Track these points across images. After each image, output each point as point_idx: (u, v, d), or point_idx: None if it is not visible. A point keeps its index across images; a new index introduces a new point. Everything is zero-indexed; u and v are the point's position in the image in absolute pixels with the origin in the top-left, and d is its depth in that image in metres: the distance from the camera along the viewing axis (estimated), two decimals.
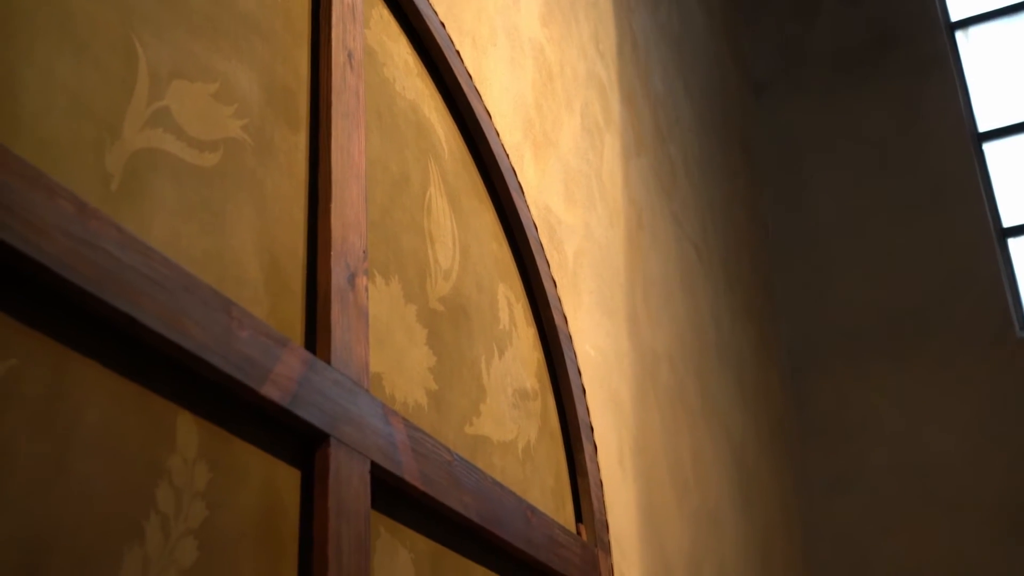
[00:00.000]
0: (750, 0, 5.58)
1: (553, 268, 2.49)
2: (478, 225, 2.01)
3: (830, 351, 4.75)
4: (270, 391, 1.24)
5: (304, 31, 1.60)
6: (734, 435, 3.73)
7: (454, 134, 2.01)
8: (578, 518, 2.07)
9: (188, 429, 1.16)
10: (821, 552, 4.45)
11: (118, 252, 1.07)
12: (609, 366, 2.72)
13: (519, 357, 2.02)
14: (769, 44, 5.44)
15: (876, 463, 4.50)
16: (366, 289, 1.51)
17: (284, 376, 1.27)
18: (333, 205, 1.48)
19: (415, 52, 1.95)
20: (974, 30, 5.27)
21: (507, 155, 2.17)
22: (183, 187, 1.25)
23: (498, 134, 2.16)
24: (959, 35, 5.26)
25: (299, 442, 1.33)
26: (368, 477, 1.38)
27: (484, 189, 2.08)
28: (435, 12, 2.01)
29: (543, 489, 1.96)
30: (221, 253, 1.29)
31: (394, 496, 1.51)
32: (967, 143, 4.83)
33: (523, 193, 2.20)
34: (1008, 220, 4.79)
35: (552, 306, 2.16)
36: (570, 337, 2.21)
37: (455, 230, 1.91)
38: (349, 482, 1.34)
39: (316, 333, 1.41)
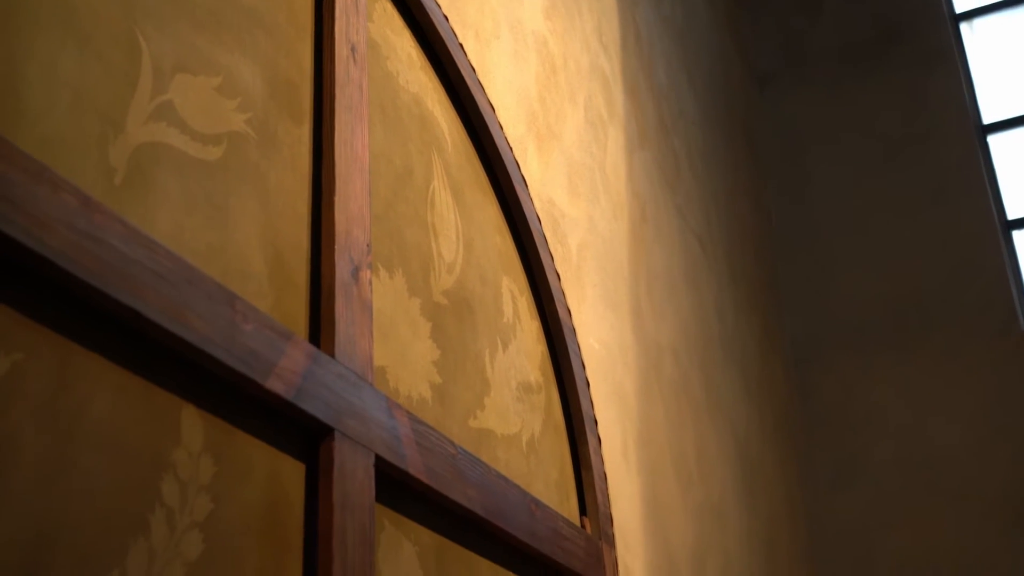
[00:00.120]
0: None
1: (557, 261, 2.48)
2: (482, 218, 2.01)
3: (834, 343, 4.75)
4: (274, 385, 1.24)
5: (307, 24, 1.60)
6: (738, 428, 3.73)
7: (457, 127, 2.01)
8: (582, 511, 2.07)
9: (193, 423, 1.17)
10: (826, 545, 4.45)
11: (122, 246, 1.07)
12: (613, 359, 2.72)
13: (523, 350, 2.02)
14: (773, 37, 5.43)
15: (881, 455, 4.50)
16: (370, 283, 1.51)
17: (288, 370, 1.27)
18: (337, 199, 1.48)
19: (418, 45, 1.95)
20: (979, 22, 5.26)
21: (510, 148, 2.17)
22: (187, 181, 1.25)
23: (501, 127, 2.16)
24: (964, 27, 5.24)
25: (303, 436, 1.34)
26: (372, 470, 1.38)
27: (487, 182, 2.08)
28: (438, 5, 2.01)
29: (547, 482, 1.96)
30: (225, 247, 1.29)
31: (398, 489, 1.52)
32: (972, 135, 4.82)
33: (527, 186, 2.19)
34: (1013, 212, 4.79)
35: (556, 299, 2.16)
36: (574, 330, 2.21)
37: (459, 223, 1.91)
38: (353, 475, 1.34)
39: (320, 327, 1.41)
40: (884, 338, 4.66)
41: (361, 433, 1.37)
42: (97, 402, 1.05)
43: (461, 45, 2.07)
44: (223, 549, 1.16)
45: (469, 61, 2.08)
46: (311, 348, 1.32)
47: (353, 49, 1.64)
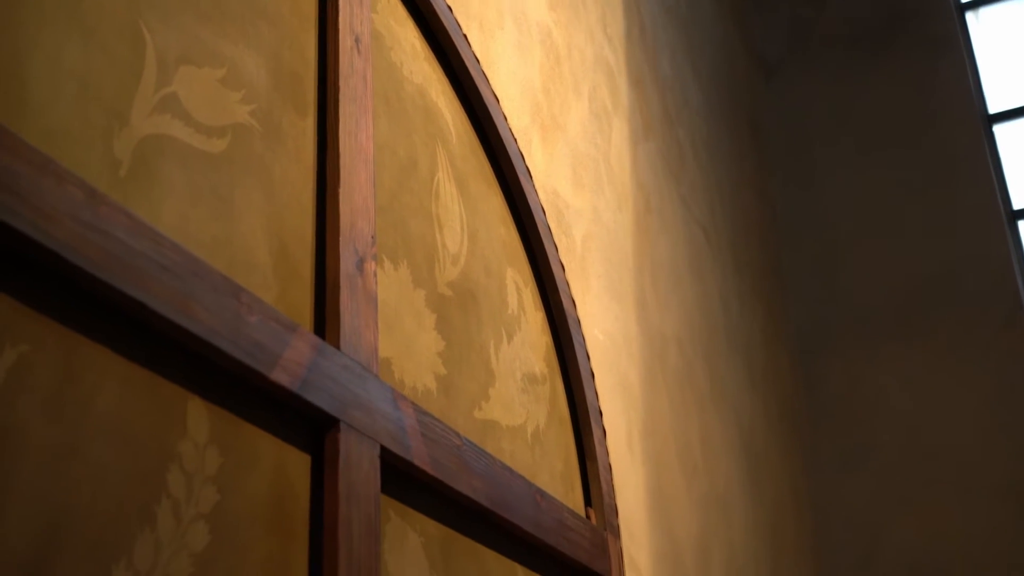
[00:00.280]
0: None
1: (561, 252, 2.48)
2: (486, 209, 2.00)
3: (839, 333, 4.75)
4: (280, 376, 1.24)
5: (311, 15, 1.59)
6: (743, 418, 3.73)
7: (462, 118, 2.01)
8: (587, 502, 2.08)
9: (199, 414, 1.17)
10: (831, 534, 4.46)
11: (128, 238, 1.07)
12: (618, 350, 2.72)
13: (528, 342, 2.02)
14: (779, 26, 5.42)
15: (886, 445, 4.49)
16: (375, 274, 1.51)
17: (293, 361, 1.27)
18: (341, 190, 1.48)
19: (422, 36, 1.95)
20: (984, 11, 5.24)
21: (515, 139, 2.16)
22: (192, 173, 1.25)
23: (506, 118, 2.15)
24: (969, 16, 5.22)
25: (309, 427, 1.34)
26: (378, 461, 1.38)
27: (492, 173, 2.07)
28: None
29: (552, 473, 1.97)
30: (230, 239, 1.29)
31: (404, 480, 1.52)
32: (977, 125, 4.81)
33: (531, 177, 2.19)
34: (1018, 202, 4.77)
35: (560, 290, 2.16)
36: (578, 321, 2.21)
37: (463, 215, 1.91)
38: (359, 466, 1.34)
39: (325, 318, 1.41)
40: (889, 328, 4.66)
41: (366, 424, 1.38)
42: (103, 394, 1.05)
43: (465, 36, 2.06)
44: (229, 540, 1.16)
45: (473, 52, 2.08)
46: (316, 340, 1.32)
47: (357, 40, 1.64)
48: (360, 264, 1.48)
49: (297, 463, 1.30)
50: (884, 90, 5.05)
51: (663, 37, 3.81)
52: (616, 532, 2.09)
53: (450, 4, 2.21)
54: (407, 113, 1.81)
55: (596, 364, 2.54)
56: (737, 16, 5.07)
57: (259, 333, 1.22)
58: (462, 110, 2.02)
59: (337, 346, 1.38)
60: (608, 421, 2.53)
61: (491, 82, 2.34)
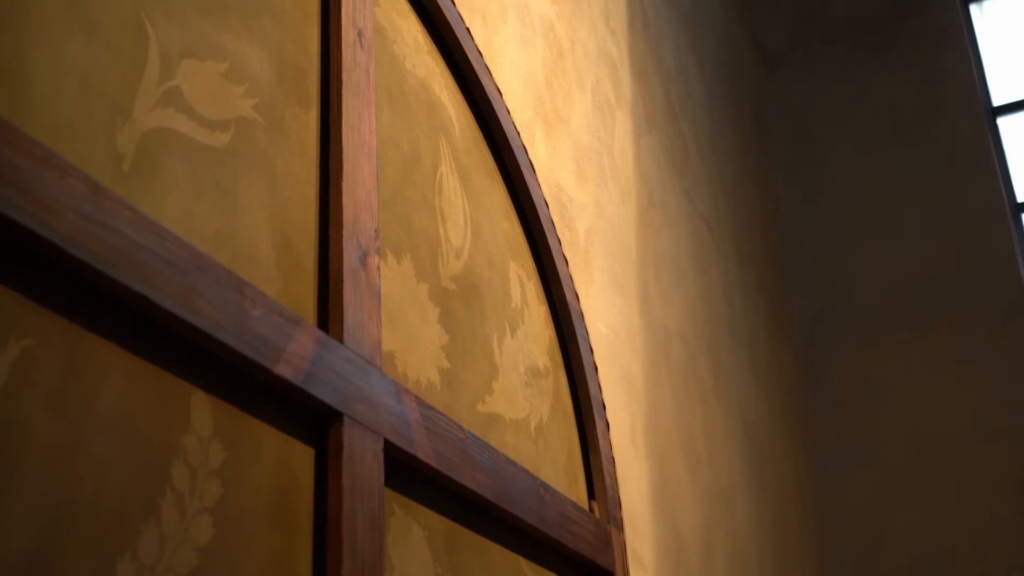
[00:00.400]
0: None
1: (564, 246, 2.48)
2: (489, 203, 2.00)
3: (843, 326, 4.74)
4: (283, 370, 1.24)
5: (314, 9, 1.59)
6: (747, 411, 3.73)
7: (465, 112, 2.01)
8: (590, 495, 2.08)
9: (202, 408, 1.17)
10: (835, 527, 4.46)
11: (131, 232, 1.07)
12: (621, 343, 2.72)
13: (531, 335, 2.02)
14: (782, 19, 5.40)
15: (889, 437, 4.49)
16: (378, 268, 1.51)
17: (297, 355, 1.27)
18: (344, 184, 1.48)
19: (425, 30, 1.94)
20: (988, 3, 5.22)
21: (518, 133, 2.16)
22: (195, 167, 1.25)
23: (509, 112, 2.15)
24: (973, 8, 5.21)
25: (313, 420, 1.34)
26: (381, 455, 1.38)
27: (495, 167, 2.07)
28: None
29: (555, 466, 1.97)
30: (233, 232, 1.29)
31: (407, 474, 1.52)
32: (981, 117, 4.80)
33: (534, 171, 2.19)
34: (1022, 195, 4.76)
35: (564, 284, 2.16)
36: (582, 315, 2.21)
37: (466, 208, 1.91)
38: (363, 460, 1.34)
39: (328, 312, 1.41)
40: (893, 320, 4.65)
41: (370, 418, 1.38)
42: (107, 388, 1.05)
43: (468, 29, 2.06)
44: (233, 534, 1.16)
45: (476, 45, 2.08)
46: (320, 333, 1.32)
47: (360, 34, 1.64)
48: (363, 258, 1.48)
49: (301, 457, 1.30)
50: (888, 83, 5.04)
51: (666, 30, 3.81)
52: (619, 525, 2.09)
53: None
54: (410, 107, 1.81)
55: (599, 357, 2.54)
56: (740, 9, 5.06)
57: (263, 327, 1.22)
58: (465, 104, 2.02)
59: (340, 340, 1.38)
60: (611, 414, 2.53)
61: (494, 75, 2.34)
